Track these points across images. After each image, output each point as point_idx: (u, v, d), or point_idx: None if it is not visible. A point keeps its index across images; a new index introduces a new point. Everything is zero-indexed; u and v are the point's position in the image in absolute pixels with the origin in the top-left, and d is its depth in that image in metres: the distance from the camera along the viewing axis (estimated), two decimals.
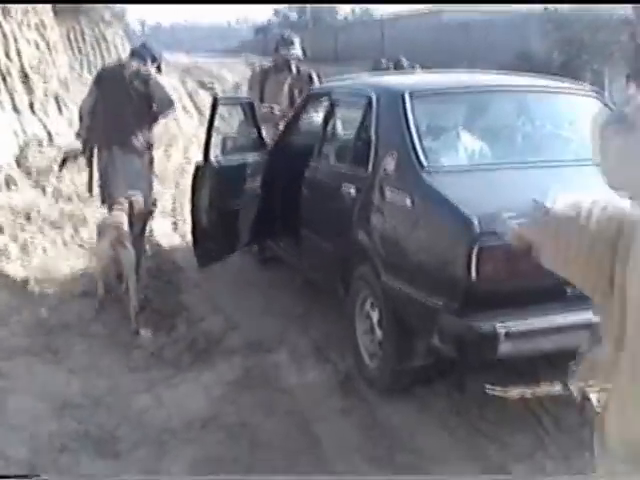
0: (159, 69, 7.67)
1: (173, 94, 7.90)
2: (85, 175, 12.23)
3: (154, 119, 7.38)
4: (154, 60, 7.53)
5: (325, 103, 6.19)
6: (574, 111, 5.51)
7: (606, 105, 5.32)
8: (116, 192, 6.99)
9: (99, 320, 6.30)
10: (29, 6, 16.52)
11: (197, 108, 8.67)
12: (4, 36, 14.20)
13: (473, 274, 3.90)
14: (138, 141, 7.23)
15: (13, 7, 14.98)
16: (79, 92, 21.35)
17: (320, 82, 7.58)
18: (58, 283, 7.26)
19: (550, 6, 25.97)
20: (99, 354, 5.66)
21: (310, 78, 7.68)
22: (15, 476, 4.13)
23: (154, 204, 7.44)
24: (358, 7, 59.54)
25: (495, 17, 29.15)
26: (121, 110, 7.25)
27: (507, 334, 3.88)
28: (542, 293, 4.04)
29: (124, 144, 7.14)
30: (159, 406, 4.82)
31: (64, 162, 8.50)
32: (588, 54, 23.10)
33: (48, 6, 20.24)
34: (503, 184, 4.50)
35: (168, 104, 7.42)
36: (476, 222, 3.91)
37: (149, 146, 7.40)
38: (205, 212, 6.32)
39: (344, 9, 59.70)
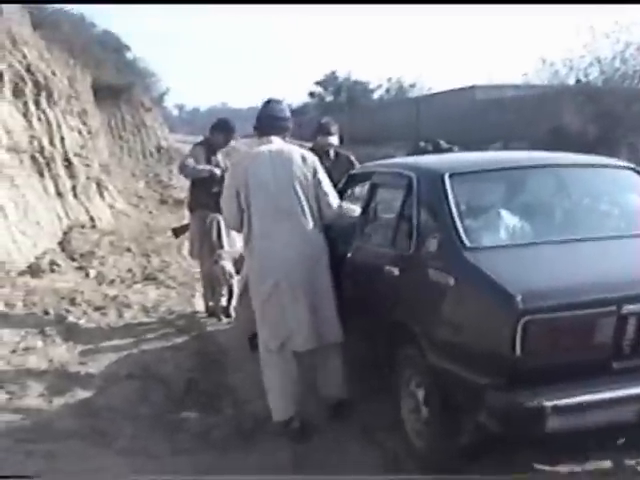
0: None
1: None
2: (127, 259, 12.52)
3: None
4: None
5: (366, 185, 6.29)
6: (610, 185, 5.57)
7: None
8: None
9: (145, 402, 6.35)
10: (72, 94, 16.99)
11: None
12: (49, 124, 14.60)
13: (518, 350, 3.91)
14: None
15: (57, 95, 15.42)
16: (119, 176, 21.90)
17: (356, 165, 7.70)
18: (103, 365, 7.35)
19: (582, 79, 26.08)
20: (146, 436, 5.68)
21: (349, 161, 7.81)
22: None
23: None
24: (393, 87, 60.09)
25: (527, 92, 29.31)
26: None
27: (554, 409, 3.86)
28: (588, 367, 4.06)
29: None
30: None
31: None
32: (623, 128, 23.05)
33: (90, 94, 20.79)
34: (544, 260, 4.52)
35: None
36: (519, 298, 3.93)
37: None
38: None
39: (379, 90, 60.22)
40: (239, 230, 5.94)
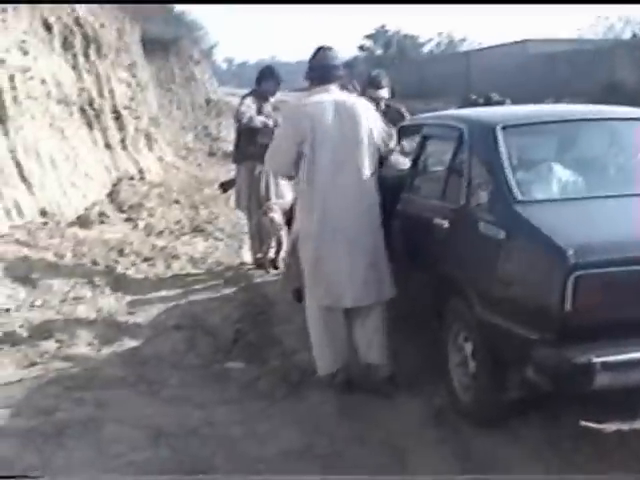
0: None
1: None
2: (176, 211, 12.61)
3: None
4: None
5: (416, 137, 6.23)
6: None
7: None
8: None
9: (192, 352, 6.41)
10: (121, 47, 17.02)
11: None
12: (98, 76, 14.65)
13: (568, 305, 3.86)
14: None
15: (106, 48, 15.47)
16: (168, 129, 21.98)
17: (407, 118, 7.62)
18: (151, 315, 7.42)
19: (638, 33, 25.60)
20: (193, 385, 5.74)
21: (399, 113, 7.73)
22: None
23: None
24: (444, 41, 59.51)
25: (581, 47, 28.83)
26: None
27: (603, 365, 3.81)
28: (638, 324, 4.00)
29: None
30: (253, 437, 4.85)
31: None
32: None
33: (139, 47, 20.82)
34: (596, 215, 4.47)
35: None
36: (570, 252, 3.87)
37: None
38: None
39: (429, 44, 59.74)
40: (288, 175, 5.89)
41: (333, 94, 5.54)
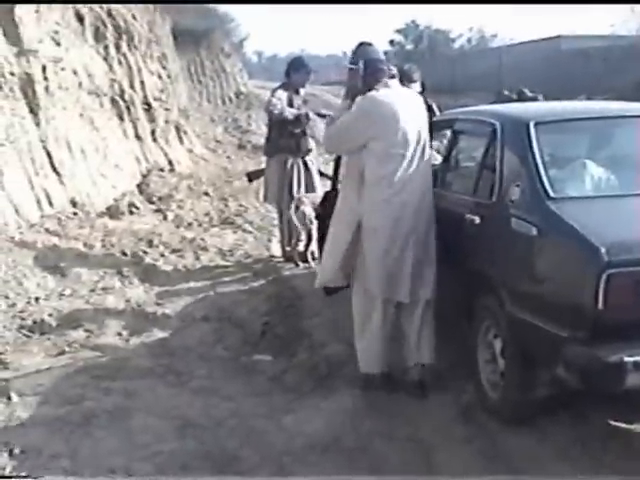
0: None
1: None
2: (205, 203, 12.62)
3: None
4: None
5: (448, 132, 6.21)
6: None
7: None
8: None
9: (220, 344, 6.42)
10: (152, 39, 17.05)
11: (313, 136, 8.83)
12: (129, 68, 14.71)
13: (600, 303, 3.83)
14: None
15: (138, 39, 15.52)
16: (198, 121, 22.01)
17: (438, 113, 7.59)
18: (179, 307, 7.43)
19: None
20: (220, 377, 5.76)
21: (430, 109, 7.69)
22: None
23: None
24: (475, 37, 59.24)
25: (614, 43, 28.57)
26: None
27: (635, 365, 3.79)
28: None
29: None
30: (280, 429, 4.85)
31: None
32: None
33: (170, 39, 20.87)
34: (629, 213, 4.43)
35: None
36: (603, 250, 3.84)
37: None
38: None
39: (460, 39, 59.48)
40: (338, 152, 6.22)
41: (395, 89, 5.47)
